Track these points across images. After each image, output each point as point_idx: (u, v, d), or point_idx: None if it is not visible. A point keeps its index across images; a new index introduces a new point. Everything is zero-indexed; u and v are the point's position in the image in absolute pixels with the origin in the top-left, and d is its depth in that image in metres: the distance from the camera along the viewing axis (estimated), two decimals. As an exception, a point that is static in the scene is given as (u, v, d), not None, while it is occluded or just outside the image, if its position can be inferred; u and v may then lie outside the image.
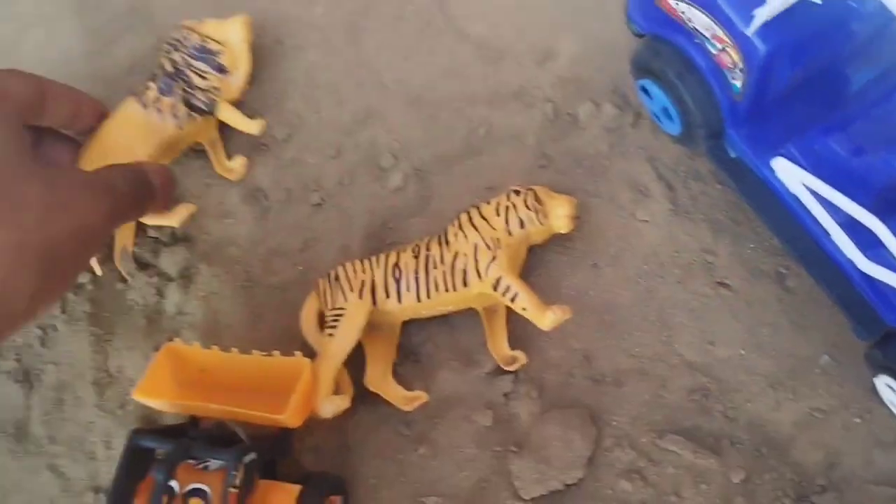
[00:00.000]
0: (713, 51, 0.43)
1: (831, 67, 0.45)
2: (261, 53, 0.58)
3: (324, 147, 0.56)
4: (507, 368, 0.49)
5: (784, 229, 0.46)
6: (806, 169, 0.43)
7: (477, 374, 0.50)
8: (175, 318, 0.53)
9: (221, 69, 0.53)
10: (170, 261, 0.54)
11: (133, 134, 0.50)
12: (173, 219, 0.54)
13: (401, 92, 0.57)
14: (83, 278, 0.54)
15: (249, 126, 0.54)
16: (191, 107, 0.52)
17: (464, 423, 0.49)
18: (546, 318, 0.45)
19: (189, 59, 0.52)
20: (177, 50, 0.52)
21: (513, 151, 0.55)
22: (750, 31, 0.40)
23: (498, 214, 0.48)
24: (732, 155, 0.48)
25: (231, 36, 0.53)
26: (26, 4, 0.62)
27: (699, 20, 0.43)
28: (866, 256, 0.41)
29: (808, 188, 0.43)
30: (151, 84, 0.52)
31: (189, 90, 0.52)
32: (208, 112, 0.53)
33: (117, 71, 0.60)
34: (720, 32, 0.42)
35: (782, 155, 0.44)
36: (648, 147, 0.53)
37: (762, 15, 0.40)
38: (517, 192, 0.49)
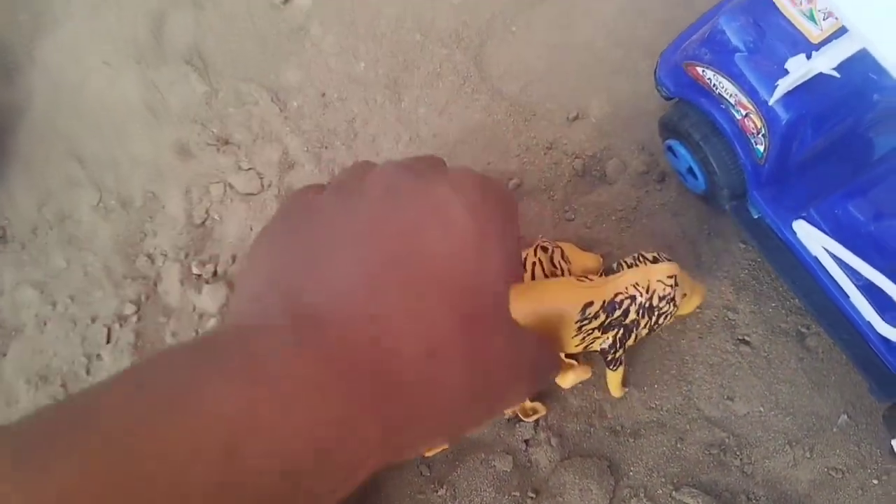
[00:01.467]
0: (738, 116, 0.45)
1: (852, 135, 0.46)
2: (303, 103, 0.61)
3: (361, 194, 0.58)
4: (525, 420, 0.50)
5: (804, 289, 0.47)
6: (826, 232, 0.44)
7: (498, 420, 0.51)
8: (212, 352, 0.55)
9: None
10: (210, 297, 0.56)
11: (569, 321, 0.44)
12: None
13: (436, 144, 0.60)
14: (128, 310, 0.57)
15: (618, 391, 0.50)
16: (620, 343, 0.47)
17: (483, 467, 0.50)
18: (566, 378, 0.47)
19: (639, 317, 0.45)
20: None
21: (541, 204, 0.56)
22: (772, 100, 0.42)
23: (524, 269, 0.50)
24: (755, 215, 0.49)
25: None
26: (91, 52, 0.65)
27: (725, 87, 0.45)
28: (884, 320, 0.42)
29: (828, 251, 0.44)
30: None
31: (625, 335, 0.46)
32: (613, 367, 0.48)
33: (169, 116, 0.63)
34: (744, 100, 0.44)
35: (803, 218, 0.45)
36: (673, 204, 0.55)
37: (784, 85, 0.41)
38: (545, 249, 0.50)
